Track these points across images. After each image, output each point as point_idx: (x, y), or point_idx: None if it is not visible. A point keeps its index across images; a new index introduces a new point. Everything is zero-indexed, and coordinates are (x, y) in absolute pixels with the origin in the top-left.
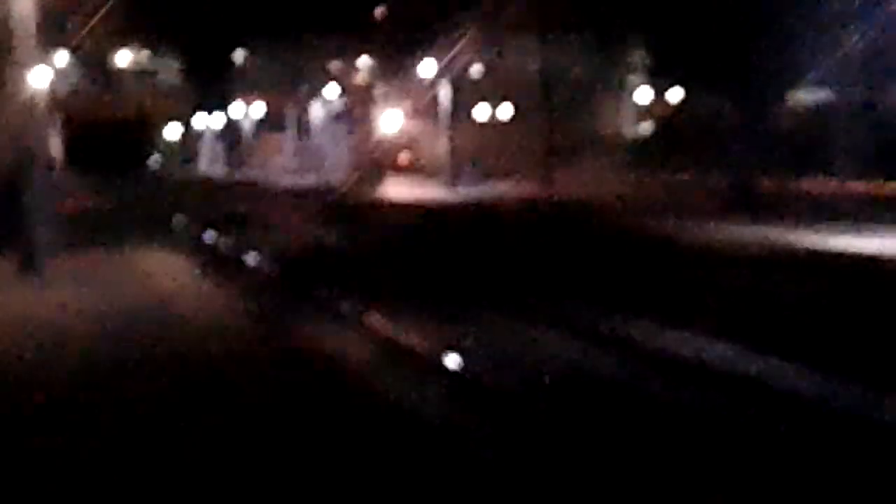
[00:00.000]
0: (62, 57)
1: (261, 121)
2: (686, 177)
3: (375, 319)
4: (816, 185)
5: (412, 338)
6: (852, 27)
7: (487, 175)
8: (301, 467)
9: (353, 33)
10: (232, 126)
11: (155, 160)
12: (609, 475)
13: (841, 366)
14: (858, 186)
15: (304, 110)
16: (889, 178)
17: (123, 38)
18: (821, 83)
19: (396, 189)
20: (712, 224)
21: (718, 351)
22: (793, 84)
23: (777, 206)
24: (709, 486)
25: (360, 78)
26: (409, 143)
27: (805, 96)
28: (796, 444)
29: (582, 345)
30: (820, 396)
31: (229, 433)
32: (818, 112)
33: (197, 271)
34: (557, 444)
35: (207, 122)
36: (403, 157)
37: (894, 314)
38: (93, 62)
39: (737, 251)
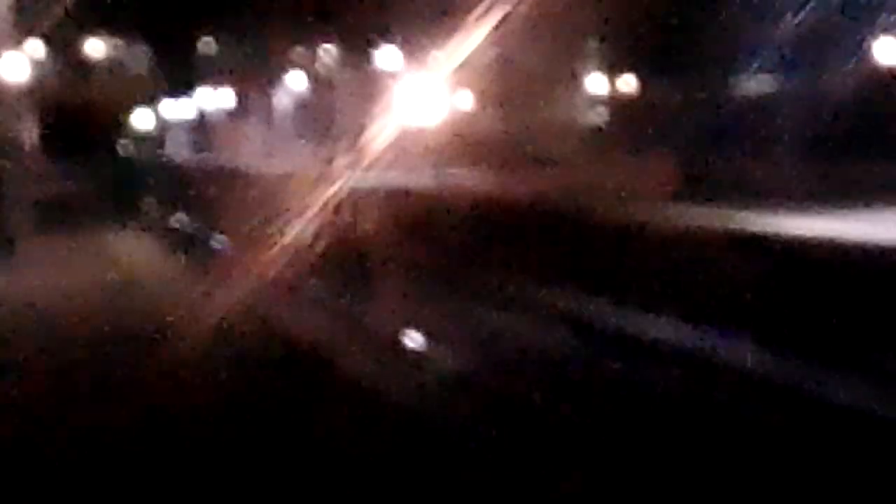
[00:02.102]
0: (33, 46)
1: (227, 107)
2: (638, 162)
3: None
4: (762, 168)
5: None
6: (798, 15)
7: (448, 162)
8: None
9: (317, 20)
10: (199, 112)
11: (124, 146)
12: (568, 453)
13: (787, 343)
14: (802, 170)
15: (270, 97)
16: (832, 161)
17: (93, 28)
18: (766, 70)
19: (362, 175)
20: (663, 207)
21: (673, 330)
22: (739, 71)
23: (725, 189)
24: (661, 461)
25: (324, 65)
26: (374, 131)
27: (751, 84)
28: (742, 418)
29: (533, 323)
30: (763, 371)
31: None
32: (763, 98)
33: (165, 254)
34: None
35: (175, 108)
36: (367, 145)
37: (834, 293)
38: (64, 51)
39: (686, 233)
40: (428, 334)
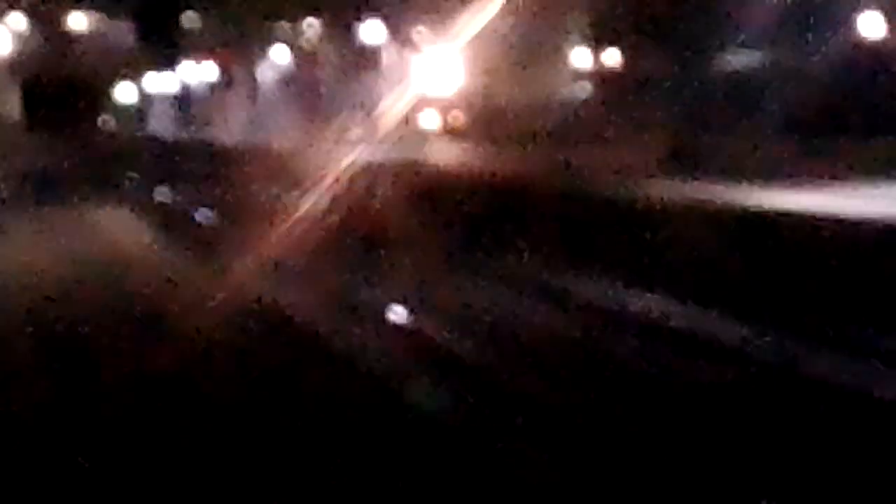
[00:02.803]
0: (15, 19)
1: (210, 81)
2: (622, 136)
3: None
4: (747, 143)
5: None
6: None
7: (427, 136)
8: None
9: None
10: (182, 86)
11: (108, 120)
12: (549, 425)
13: (759, 315)
14: (786, 145)
15: (253, 71)
16: (815, 136)
17: (76, 1)
18: (750, 45)
19: (344, 150)
20: (648, 181)
21: (654, 303)
22: (723, 47)
23: (710, 163)
24: (637, 433)
25: (307, 40)
26: (357, 105)
27: (735, 58)
28: (708, 384)
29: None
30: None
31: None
32: (747, 73)
33: (148, 227)
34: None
35: (158, 82)
36: (351, 120)
37: (818, 267)
38: (46, 25)
39: (670, 207)
40: (414, 308)
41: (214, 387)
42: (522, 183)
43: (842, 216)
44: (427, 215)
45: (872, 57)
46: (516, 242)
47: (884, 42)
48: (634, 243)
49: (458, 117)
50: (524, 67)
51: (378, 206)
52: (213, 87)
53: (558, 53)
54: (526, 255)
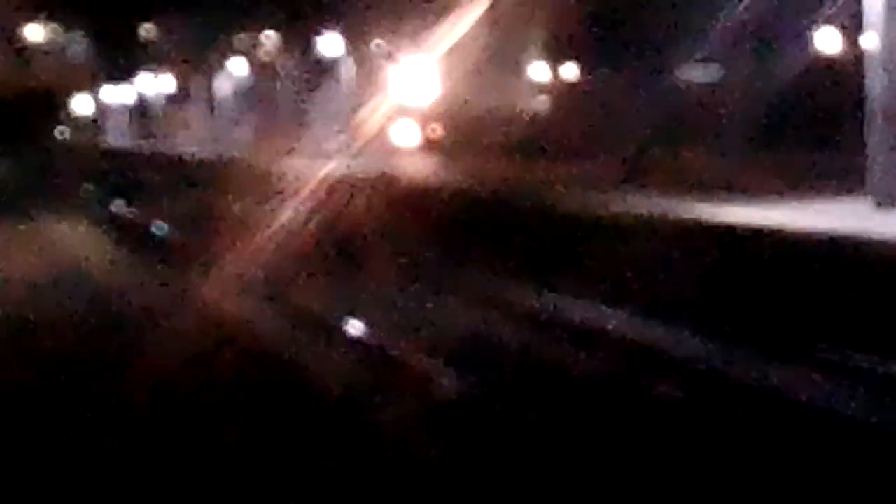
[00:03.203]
0: None
1: (167, 93)
2: (581, 150)
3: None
4: (704, 158)
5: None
6: (740, 6)
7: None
8: None
9: (259, 7)
10: (139, 98)
11: (64, 132)
12: (504, 434)
13: (711, 326)
14: (744, 159)
15: (210, 83)
16: (773, 150)
17: (32, 12)
18: (709, 59)
19: (299, 162)
20: (605, 195)
21: (605, 315)
22: (683, 60)
23: (668, 177)
24: (593, 439)
25: (265, 52)
26: (313, 117)
27: (694, 72)
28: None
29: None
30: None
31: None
32: (707, 87)
33: (104, 239)
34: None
35: (115, 94)
36: (307, 131)
37: (775, 281)
38: (2, 36)
39: (626, 221)
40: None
41: (166, 391)
42: (479, 195)
43: (798, 231)
44: (389, 228)
45: (828, 72)
46: (476, 254)
47: (839, 57)
48: (592, 256)
49: (436, 130)
50: (487, 81)
51: (338, 217)
52: (170, 99)
53: (521, 67)
54: (484, 266)
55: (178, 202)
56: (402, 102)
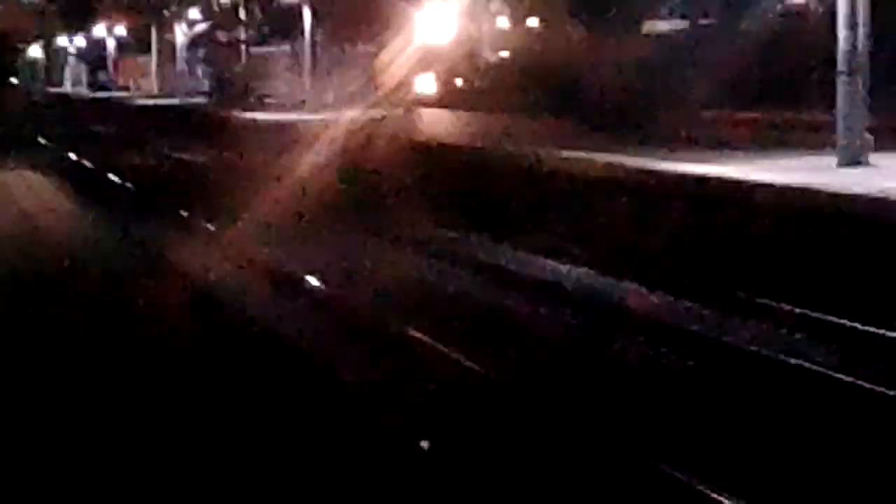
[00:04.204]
0: None
1: (124, 43)
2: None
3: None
4: (672, 112)
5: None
6: None
7: (344, 103)
8: None
9: None
10: (95, 48)
11: (20, 80)
12: (456, 379)
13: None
14: (711, 113)
15: (167, 33)
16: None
17: None
18: (674, 13)
19: (254, 114)
20: (570, 150)
21: (552, 266)
22: (647, 14)
23: (635, 129)
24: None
25: (220, 3)
26: (271, 69)
27: (659, 26)
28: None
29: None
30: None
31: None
32: (672, 40)
33: (60, 188)
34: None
35: (71, 43)
36: (264, 83)
37: (733, 232)
38: None
39: (590, 175)
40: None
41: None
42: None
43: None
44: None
45: (796, 26)
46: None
47: (807, 10)
48: (557, 208)
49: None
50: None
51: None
52: (125, 49)
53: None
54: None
55: (133, 151)
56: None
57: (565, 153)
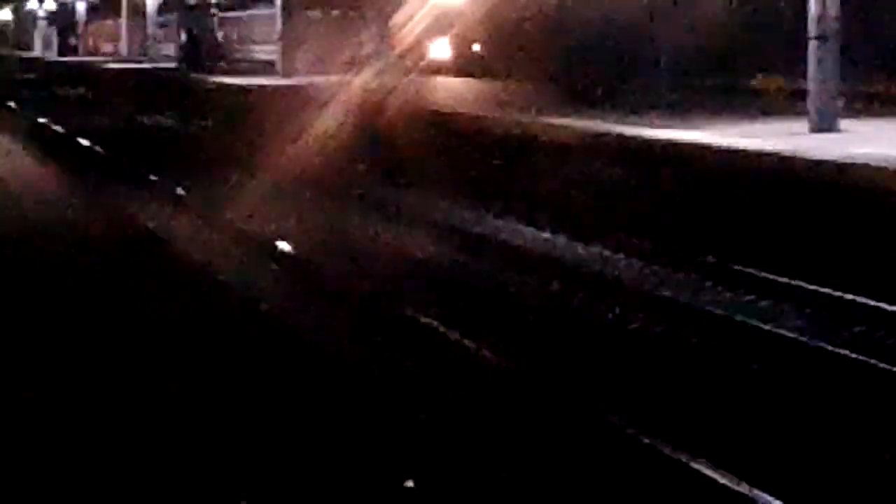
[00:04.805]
0: None
1: (94, 6)
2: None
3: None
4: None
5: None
6: None
7: (320, 70)
8: None
9: None
10: (65, 12)
11: None
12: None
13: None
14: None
15: None
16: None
17: None
18: None
19: (224, 79)
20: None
21: (523, 231)
22: None
23: (604, 101)
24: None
25: None
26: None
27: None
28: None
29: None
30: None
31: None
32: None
33: (29, 153)
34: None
35: (41, 6)
36: (236, 48)
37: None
38: None
39: (562, 142)
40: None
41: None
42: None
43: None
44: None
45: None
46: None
47: None
48: (527, 175)
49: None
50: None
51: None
52: (95, 12)
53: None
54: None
55: (102, 116)
56: (328, 22)
57: (548, 119)
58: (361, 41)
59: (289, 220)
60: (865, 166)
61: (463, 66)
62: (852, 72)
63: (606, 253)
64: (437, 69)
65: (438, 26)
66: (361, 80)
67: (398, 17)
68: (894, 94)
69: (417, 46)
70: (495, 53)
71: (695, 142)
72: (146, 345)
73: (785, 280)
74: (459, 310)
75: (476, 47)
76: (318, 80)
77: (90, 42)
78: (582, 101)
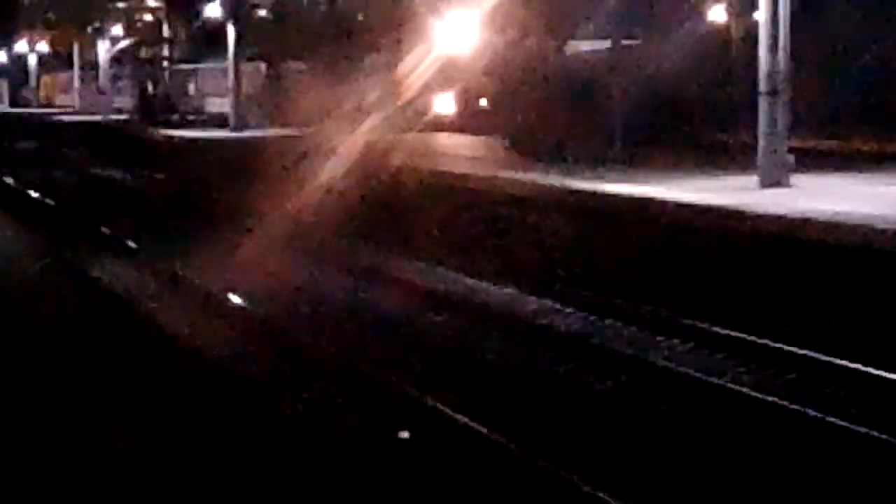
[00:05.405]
0: None
1: (46, 59)
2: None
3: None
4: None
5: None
6: None
7: (272, 123)
8: None
9: None
10: (17, 64)
11: None
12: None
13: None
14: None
15: (89, 50)
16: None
17: None
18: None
19: (175, 132)
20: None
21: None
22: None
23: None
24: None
25: (147, 19)
26: (198, 88)
27: (581, 46)
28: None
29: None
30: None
31: None
32: (592, 60)
33: None
34: None
35: None
36: (188, 101)
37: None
38: None
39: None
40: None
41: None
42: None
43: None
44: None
45: (720, 45)
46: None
47: (726, 32)
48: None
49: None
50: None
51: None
52: (47, 65)
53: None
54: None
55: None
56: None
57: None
58: (364, 92)
59: (236, 269)
60: (811, 221)
61: (468, 121)
62: (805, 127)
63: (550, 304)
64: (441, 125)
65: (441, 79)
66: (324, 135)
67: (399, 69)
68: (846, 150)
69: (419, 99)
70: (501, 109)
71: (645, 196)
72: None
73: (719, 329)
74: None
75: (483, 102)
76: (272, 133)
77: (43, 94)
78: (553, 156)
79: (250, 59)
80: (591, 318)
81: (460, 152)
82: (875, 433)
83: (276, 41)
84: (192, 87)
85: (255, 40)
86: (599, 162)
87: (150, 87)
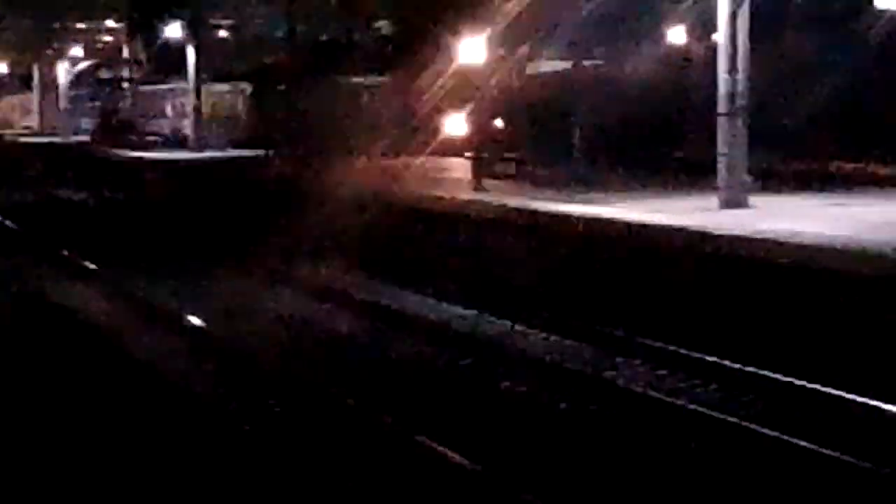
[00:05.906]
0: None
1: (5, 80)
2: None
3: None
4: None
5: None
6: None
7: (234, 143)
8: None
9: None
10: None
11: None
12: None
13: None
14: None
15: (49, 71)
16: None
17: None
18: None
19: (135, 153)
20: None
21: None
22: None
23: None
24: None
25: (105, 43)
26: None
27: (547, 67)
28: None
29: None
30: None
31: None
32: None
33: None
34: None
35: None
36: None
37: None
38: None
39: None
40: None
41: None
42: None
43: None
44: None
45: (681, 68)
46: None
47: (688, 54)
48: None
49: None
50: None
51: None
52: (6, 87)
53: None
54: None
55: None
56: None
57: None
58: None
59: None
60: (768, 241)
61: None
62: (763, 148)
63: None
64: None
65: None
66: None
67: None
68: (804, 170)
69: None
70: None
71: (605, 217)
72: None
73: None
74: None
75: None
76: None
77: (2, 116)
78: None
79: (231, 80)
80: (553, 338)
81: (428, 175)
82: (828, 451)
83: (236, 62)
84: (151, 108)
85: (215, 61)
86: (561, 183)
87: (109, 108)
